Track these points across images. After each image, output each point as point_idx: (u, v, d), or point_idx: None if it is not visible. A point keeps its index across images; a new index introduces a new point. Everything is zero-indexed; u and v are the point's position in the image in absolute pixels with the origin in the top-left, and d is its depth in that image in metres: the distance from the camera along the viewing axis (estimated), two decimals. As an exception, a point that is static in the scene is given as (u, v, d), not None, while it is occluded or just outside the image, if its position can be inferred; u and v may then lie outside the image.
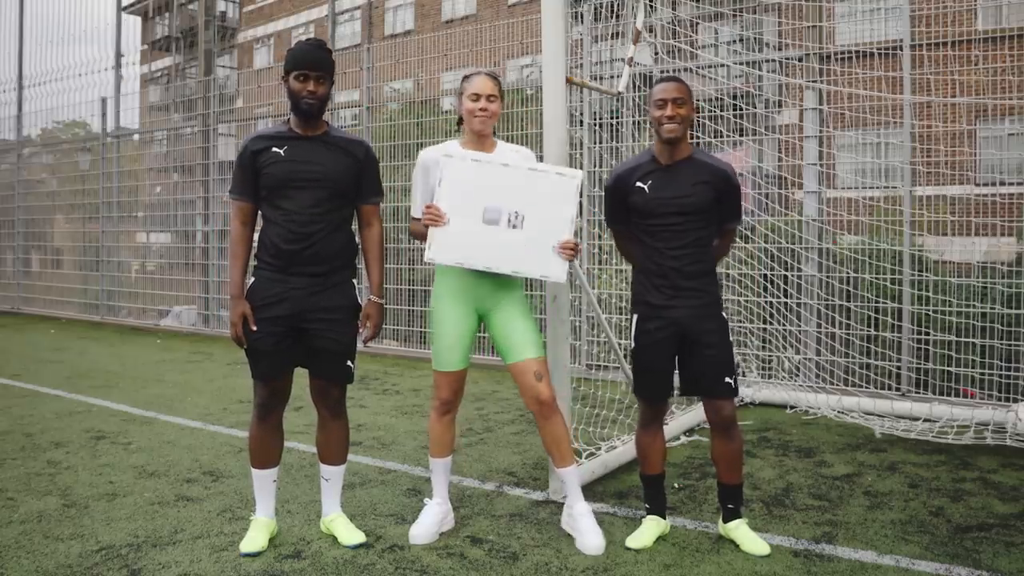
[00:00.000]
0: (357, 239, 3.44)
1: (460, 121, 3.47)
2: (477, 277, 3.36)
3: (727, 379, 3.28)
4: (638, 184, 3.32)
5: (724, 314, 3.37)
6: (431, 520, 3.43)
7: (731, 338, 3.36)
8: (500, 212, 3.20)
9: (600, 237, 6.90)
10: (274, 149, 3.20)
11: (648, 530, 3.39)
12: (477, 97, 3.34)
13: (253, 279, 3.27)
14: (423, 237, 3.32)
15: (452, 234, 3.23)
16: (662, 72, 6.65)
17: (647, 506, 3.49)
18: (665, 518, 3.48)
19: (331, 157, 3.23)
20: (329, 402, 3.35)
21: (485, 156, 3.31)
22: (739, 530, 3.35)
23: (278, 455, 3.41)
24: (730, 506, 3.39)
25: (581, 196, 3.44)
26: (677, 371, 3.39)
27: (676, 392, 3.45)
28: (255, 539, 3.29)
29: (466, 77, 3.43)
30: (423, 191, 3.39)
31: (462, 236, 3.22)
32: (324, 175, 3.19)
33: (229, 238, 3.36)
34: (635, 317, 3.39)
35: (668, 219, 3.27)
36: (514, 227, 3.21)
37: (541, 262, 3.23)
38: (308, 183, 3.17)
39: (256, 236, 3.30)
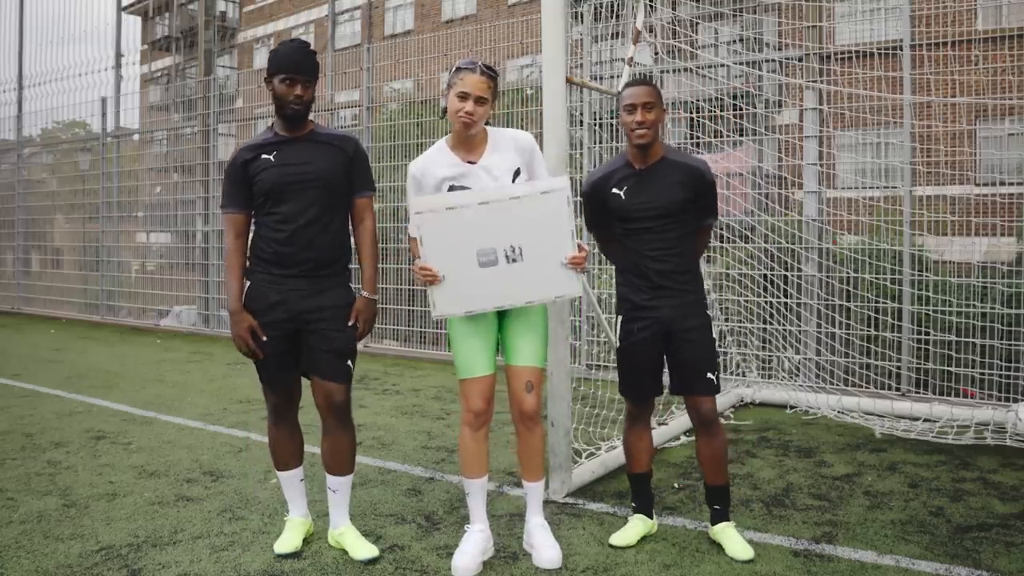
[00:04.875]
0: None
1: (446, 111, 3.14)
2: None
3: (708, 375, 3.27)
4: (614, 190, 3.33)
5: (708, 312, 3.38)
6: (474, 548, 3.11)
7: (714, 335, 3.35)
8: (495, 252, 3.00)
9: (600, 237, 6.88)
10: (264, 156, 3.15)
11: (633, 528, 3.39)
12: (465, 97, 3.04)
13: (248, 283, 3.21)
14: None
15: (452, 288, 3.04)
16: (662, 72, 6.66)
17: (633, 504, 3.49)
18: (652, 517, 3.48)
19: (322, 155, 3.18)
20: (334, 408, 3.23)
21: (459, 200, 3.04)
22: (725, 532, 3.30)
23: (300, 455, 3.40)
24: (717, 507, 3.37)
25: (578, 196, 3.39)
26: (667, 371, 3.39)
27: (666, 391, 3.43)
28: (288, 540, 3.29)
29: (458, 68, 3.09)
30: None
31: (463, 287, 3.03)
32: (317, 174, 3.15)
33: (224, 252, 3.29)
34: (619, 318, 3.41)
35: (647, 223, 3.28)
36: (514, 261, 3.01)
37: (552, 284, 3.04)
38: (303, 184, 3.13)
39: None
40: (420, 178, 3.16)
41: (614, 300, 3.49)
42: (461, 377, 3.20)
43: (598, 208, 3.40)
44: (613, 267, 3.54)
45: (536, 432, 3.26)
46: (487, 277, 3.02)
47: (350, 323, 3.22)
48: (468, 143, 3.16)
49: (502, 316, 3.22)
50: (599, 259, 6.95)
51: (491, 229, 3.00)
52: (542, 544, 3.18)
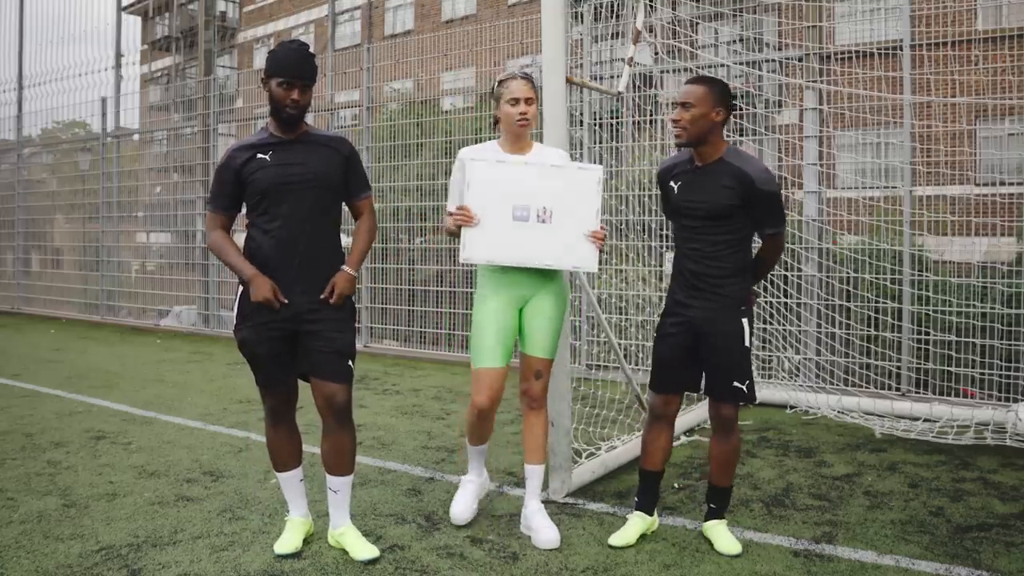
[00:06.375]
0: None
1: (496, 122, 3.50)
2: (520, 272, 3.40)
3: (735, 383, 3.26)
4: (671, 183, 3.38)
5: (744, 320, 3.27)
6: (468, 496, 3.57)
7: (747, 344, 3.26)
8: (528, 209, 3.29)
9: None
10: (259, 156, 3.13)
11: (632, 527, 3.40)
12: (516, 101, 3.36)
13: (243, 286, 3.17)
14: (457, 235, 3.36)
15: (484, 233, 3.32)
16: (662, 72, 6.65)
17: (636, 500, 3.49)
18: (652, 515, 3.48)
19: (318, 156, 3.18)
20: (336, 409, 3.19)
21: (511, 157, 3.39)
22: (716, 528, 3.36)
23: (298, 455, 3.39)
24: (713, 506, 3.42)
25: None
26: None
27: (700, 392, 3.44)
28: (288, 540, 3.28)
29: (501, 81, 3.44)
30: (460, 188, 3.39)
31: (494, 235, 3.31)
32: (315, 175, 3.15)
33: (212, 243, 3.21)
34: (663, 310, 3.49)
35: (692, 221, 3.29)
36: (543, 222, 3.29)
37: (573, 254, 3.32)
38: (302, 184, 3.12)
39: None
40: (467, 161, 3.39)
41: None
42: (474, 367, 3.41)
43: (663, 198, 3.51)
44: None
45: (540, 415, 3.50)
46: (517, 231, 3.30)
47: (324, 295, 3.14)
48: (518, 144, 3.47)
49: (523, 307, 3.43)
50: (599, 259, 6.94)
51: (529, 188, 3.31)
52: (540, 526, 3.35)
